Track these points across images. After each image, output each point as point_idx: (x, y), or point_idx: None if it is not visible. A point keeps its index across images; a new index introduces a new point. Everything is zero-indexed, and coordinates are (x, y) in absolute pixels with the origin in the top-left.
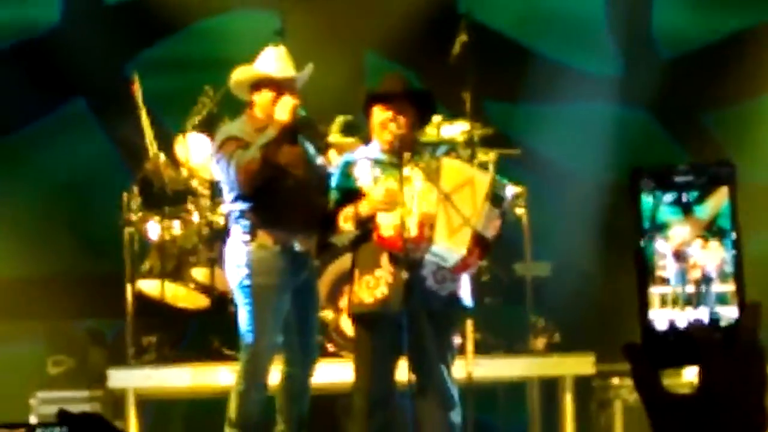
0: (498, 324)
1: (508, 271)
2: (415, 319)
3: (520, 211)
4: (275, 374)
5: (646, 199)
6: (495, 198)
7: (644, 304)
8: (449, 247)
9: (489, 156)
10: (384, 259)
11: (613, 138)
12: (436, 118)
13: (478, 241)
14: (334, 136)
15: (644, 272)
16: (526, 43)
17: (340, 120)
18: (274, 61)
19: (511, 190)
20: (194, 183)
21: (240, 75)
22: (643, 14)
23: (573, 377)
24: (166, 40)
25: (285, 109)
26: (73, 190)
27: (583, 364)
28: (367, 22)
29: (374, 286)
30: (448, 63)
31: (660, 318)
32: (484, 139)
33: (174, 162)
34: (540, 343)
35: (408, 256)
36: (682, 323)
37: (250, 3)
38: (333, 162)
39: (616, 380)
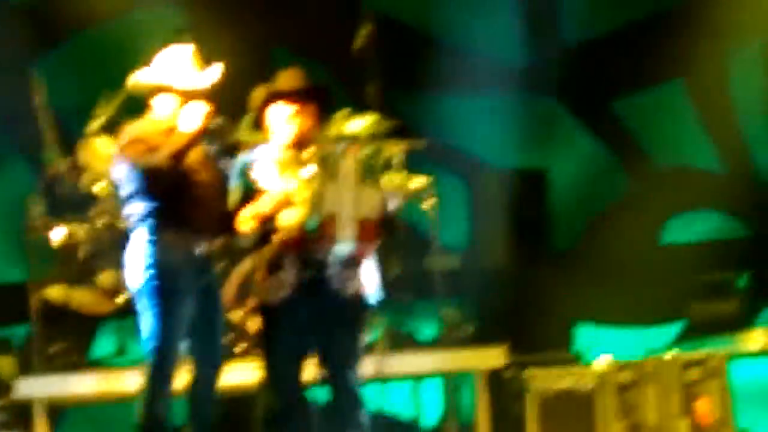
0: (408, 319)
1: (418, 265)
2: (320, 318)
3: (427, 203)
4: (182, 378)
5: None
6: (368, 177)
7: None
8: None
9: (395, 149)
10: (287, 260)
11: (521, 127)
12: (342, 113)
13: (364, 225)
14: (244, 134)
15: None
16: (431, 34)
17: (249, 118)
18: (176, 65)
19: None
20: (98, 186)
21: (139, 82)
22: (551, 2)
23: (486, 370)
24: (69, 43)
25: (193, 117)
26: None
27: (494, 357)
28: (273, 17)
29: (278, 287)
30: (353, 57)
31: None
32: (391, 132)
33: (77, 166)
34: (451, 336)
35: (311, 256)
36: None
37: (154, 1)
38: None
39: (529, 371)
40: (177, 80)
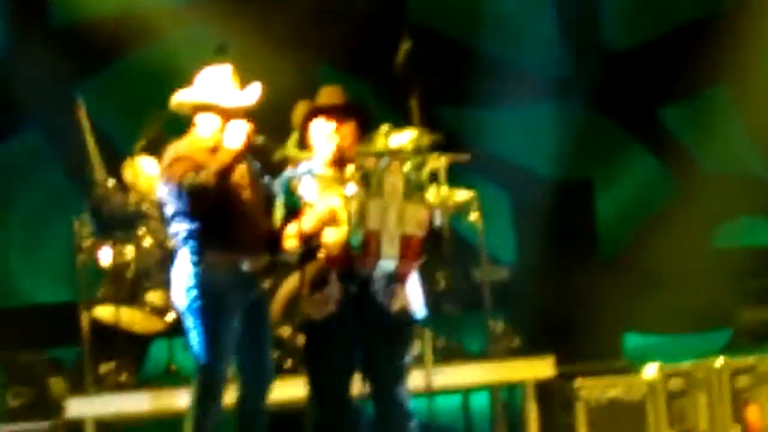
0: (457, 331)
1: (466, 278)
2: (367, 334)
3: (473, 216)
4: (231, 395)
5: None
6: (414, 193)
7: None
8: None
9: (440, 162)
10: (332, 275)
11: (567, 137)
12: (384, 128)
13: (407, 242)
14: (291, 151)
15: None
16: (475, 47)
17: (296, 134)
18: (218, 84)
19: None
20: (144, 206)
21: (182, 101)
22: (592, 12)
23: (534, 380)
24: (113, 63)
25: (237, 135)
26: (27, 219)
27: (543, 367)
28: (317, 33)
29: (323, 303)
30: (395, 72)
31: None
32: (435, 145)
33: (123, 186)
34: (500, 348)
35: (356, 272)
36: None
37: (196, 21)
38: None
39: (578, 381)
40: (219, 99)
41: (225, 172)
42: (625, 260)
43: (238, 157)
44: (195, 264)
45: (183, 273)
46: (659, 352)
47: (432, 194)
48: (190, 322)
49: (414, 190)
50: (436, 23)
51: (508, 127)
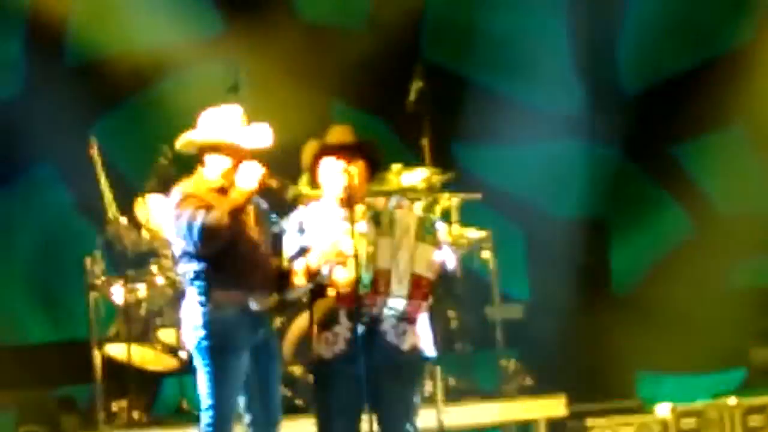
0: (469, 370)
1: (478, 316)
2: (376, 373)
3: (486, 254)
4: None
5: None
6: (426, 235)
7: None
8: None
9: (451, 201)
10: (342, 314)
11: (582, 176)
12: (397, 167)
13: (417, 282)
14: (304, 189)
15: None
16: (491, 85)
17: (307, 174)
18: (227, 124)
19: (442, 226)
20: (156, 244)
21: (188, 141)
22: (608, 51)
23: (546, 419)
24: (127, 100)
25: (251, 176)
26: (40, 257)
27: (555, 406)
28: (330, 71)
29: (332, 342)
30: (408, 110)
31: None
32: (447, 183)
33: (135, 224)
34: (512, 387)
35: (365, 310)
36: None
37: (207, 59)
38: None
39: (590, 420)
40: (232, 138)
41: (237, 213)
42: (640, 299)
43: (250, 198)
44: (203, 304)
45: (191, 313)
46: (673, 391)
47: (443, 233)
48: (198, 362)
49: (427, 231)
50: (450, 61)
51: (523, 165)
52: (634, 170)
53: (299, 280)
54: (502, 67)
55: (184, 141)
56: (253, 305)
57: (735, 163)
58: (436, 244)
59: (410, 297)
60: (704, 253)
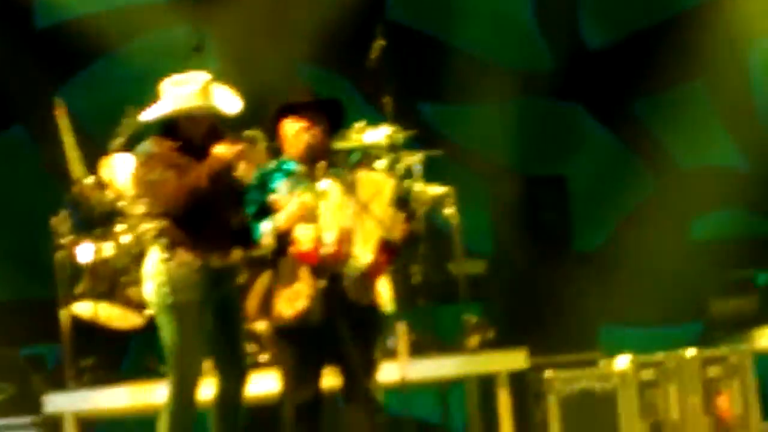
0: (432, 324)
1: (442, 271)
2: (337, 329)
3: (448, 210)
4: (206, 390)
5: None
6: (400, 202)
7: None
8: (361, 255)
9: (414, 158)
10: (303, 272)
11: (542, 132)
12: (358, 125)
13: (385, 246)
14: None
15: None
16: (452, 43)
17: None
18: (197, 92)
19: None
20: (122, 203)
21: (152, 116)
22: (570, 8)
23: (507, 373)
24: (95, 63)
25: (230, 149)
26: (8, 217)
27: (515, 359)
28: (295, 31)
29: (294, 299)
30: (370, 69)
31: None
32: (409, 141)
33: (100, 184)
34: (474, 340)
35: (326, 268)
36: None
37: (176, 20)
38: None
39: (549, 373)
40: (195, 110)
41: (214, 178)
42: (601, 253)
43: (226, 164)
44: (165, 261)
45: (153, 270)
46: (635, 344)
47: (406, 190)
48: (162, 319)
49: (401, 199)
50: (413, 20)
51: (486, 122)
52: (594, 126)
53: (266, 238)
54: (464, 25)
55: (154, 115)
56: (216, 261)
57: (696, 119)
58: (409, 213)
59: (375, 259)
60: (665, 207)
